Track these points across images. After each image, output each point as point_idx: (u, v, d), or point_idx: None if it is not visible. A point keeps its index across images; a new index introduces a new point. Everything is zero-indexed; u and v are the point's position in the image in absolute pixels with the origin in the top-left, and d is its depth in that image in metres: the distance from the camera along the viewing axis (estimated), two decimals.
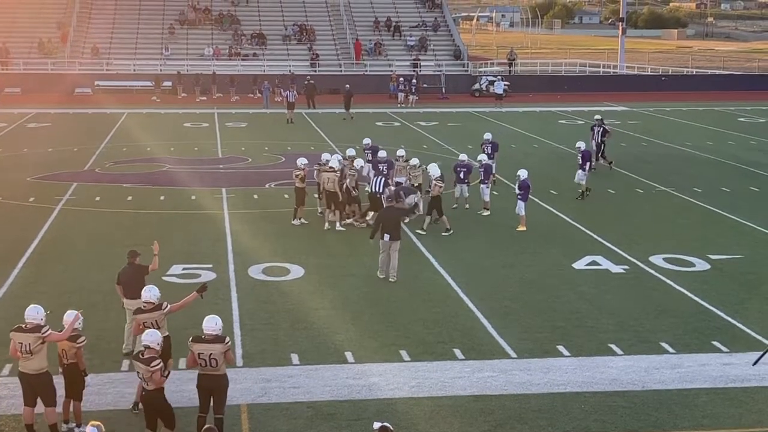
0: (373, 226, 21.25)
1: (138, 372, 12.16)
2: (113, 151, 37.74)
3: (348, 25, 68.19)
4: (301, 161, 25.45)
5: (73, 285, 19.65)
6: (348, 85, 51.24)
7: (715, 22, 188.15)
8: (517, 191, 24.99)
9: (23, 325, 12.49)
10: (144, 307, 13.76)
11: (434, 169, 24.90)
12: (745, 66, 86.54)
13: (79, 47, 63.85)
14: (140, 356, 12.09)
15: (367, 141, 29.82)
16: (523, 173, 24.99)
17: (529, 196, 25.26)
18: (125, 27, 66.30)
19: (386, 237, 20.22)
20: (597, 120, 35.07)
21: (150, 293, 13.83)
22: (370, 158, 28.66)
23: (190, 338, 12.51)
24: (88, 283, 19.61)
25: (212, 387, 12.42)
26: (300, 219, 25.19)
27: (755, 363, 15.36)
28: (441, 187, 24.38)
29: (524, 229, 24.80)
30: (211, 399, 12.50)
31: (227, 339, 12.46)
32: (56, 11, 66.50)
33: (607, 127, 35.10)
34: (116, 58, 62.85)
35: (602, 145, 34.69)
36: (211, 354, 12.24)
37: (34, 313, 12.55)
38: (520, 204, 24.89)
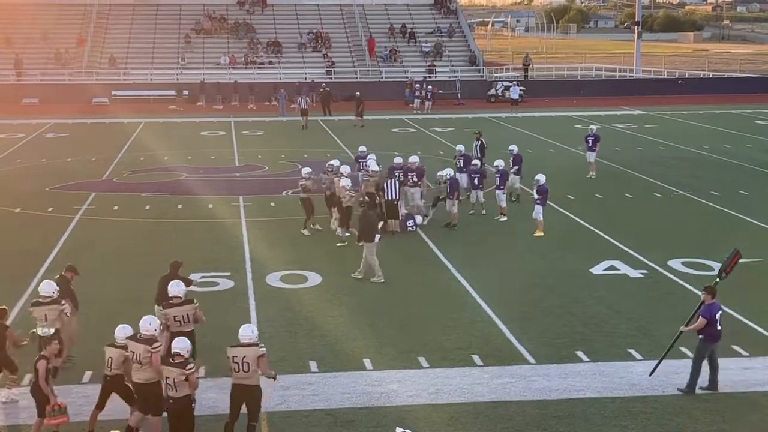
0: (360, 231, 21.51)
1: (167, 378, 12.14)
2: (131, 161, 37.91)
3: (363, 32, 68.26)
4: (306, 170, 25.63)
5: (92, 294, 19.67)
6: (358, 93, 51.34)
7: (731, 25, 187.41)
8: (536, 196, 24.95)
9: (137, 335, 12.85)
10: (173, 301, 14.20)
11: (367, 165, 26.21)
12: (762, 68, 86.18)
13: (97, 57, 64.19)
14: (171, 361, 12.12)
15: (362, 149, 30.09)
16: (541, 178, 24.95)
17: (547, 201, 25.23)
18: (142, 37, 66.61)
19: (377, 238, 20.81)
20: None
21: (179, 288, 14.42)
22: (362, 167, 28.90)
23: (229, 345, 12.68)
24: (108, 293, 19.69)
25: (244, 398, 12.60)
26: (314, 225, 25.15)
27: (651, 373, 15.10)
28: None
29: (542, 234, 24.77)
30: (244, 407, 12.65)
31: (262, 346, 12.69)
32: (74, 22, 66.86)
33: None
34: (133, 68, 63.14)
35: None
36: (244, 357, 12.41)
37: (147, 325, 12.91)
38: (538, 209, 24.85)
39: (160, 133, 46.54)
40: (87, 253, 23.25)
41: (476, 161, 28.07)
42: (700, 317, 14.58)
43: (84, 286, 20.33)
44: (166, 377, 12.13)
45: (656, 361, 15.27)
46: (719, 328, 14.62)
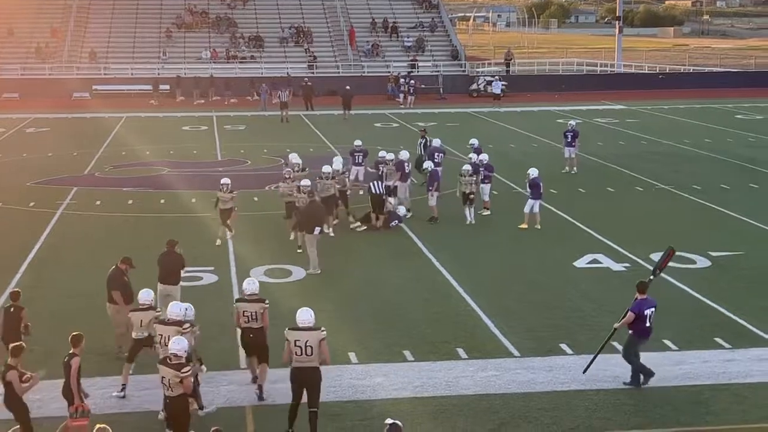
0: (296, 221, 21.69)
1: (163, 377, 12.09)
2: (112, 156, 37.76)
3: (345, 27, 68.18)
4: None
5: (74, 289, 19.67)
6: (348, 87, 51.41)
7: (711, 20, 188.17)
8: (528, 190, 25.13)
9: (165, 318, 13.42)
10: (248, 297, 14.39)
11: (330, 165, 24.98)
12: (742, 63, 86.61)
13: (77, 52, 63.86)
14: (168, 361, 12.11)
15: (357, 143, 29.97)
16: (532, 171, 25.15)
17: (540, 195, 25.24)
18: (122, 31, 66.31)
19: (317, 231, 20.69)
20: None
21: (254, 286, 14.48)
22: (360, 161, 28.88)
23: (287, 328, 12.77)
24: (90, 288, 19.54)
25: (306, 380, 12.66)
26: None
27: (585, 371, 15.04)
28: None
29: (525, 226, 24.88)
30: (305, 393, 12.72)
31: (323, 328, 12.77)
32: (54, 16, 66.47)
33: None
34: (114, 63, 62.84)
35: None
36: (307, 341, 12.53)
37: (177, 310, 13.43)
38: (530, 203, 25.00)
39: (141, 127, 46.35)
40: (69, 248, 23.17)
41: (428, 163, 27.24)
42: (629, 312, 14.56)
43: (66, 281, 20.35)
44: (162, 376, 12.10)
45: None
46: (648, 324, 14.50)
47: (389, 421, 10.11)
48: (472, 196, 25.37)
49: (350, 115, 50.18)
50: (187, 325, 13.24)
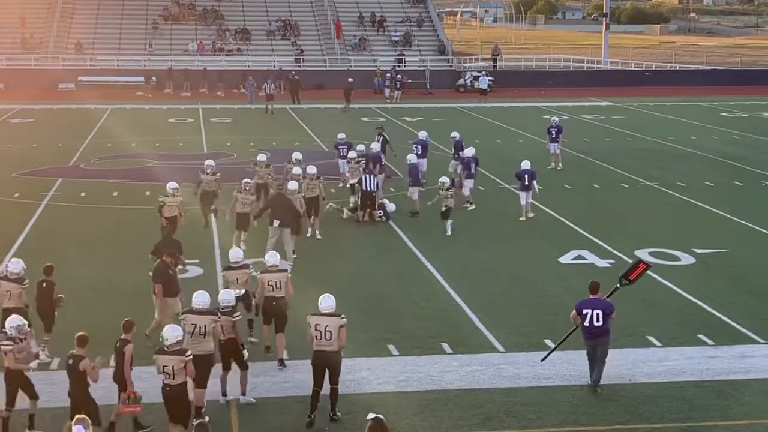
0: (261, 208, 21.74)
1: (164, 366, 12.05)
2: (98, 147, 37.62)
3: (332, 21, 68.07)
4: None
5: (59, 280, 19.44)
6: (351, 79, 52.08)
7: (698, 18, 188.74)
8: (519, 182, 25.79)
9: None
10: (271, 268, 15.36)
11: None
12: (728, 61, 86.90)
13: (63, 43, 63.55)
14: (166, 349, 12.09)
15: (341, 136, 29.94)
16: (523, 164, 25.84)
17: (526, 187, 25.57)
18: (109, 22, 66.01)
19: (276, 223, 20.69)
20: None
21: (276, 258, 15.62)
22: (344, 154, 28.81)
23: (309, 314, 13.39)
24: (75, 279, 19.51)
25: (326, 364, 13.24)
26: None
27: (543, 359, 15.10)
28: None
29: (524, 219, 25.60)
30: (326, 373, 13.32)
31: (343, 315, 13.37)
32: (39, 6, 66.08)
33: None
34: (100, 54, 62.58)
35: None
36: (327, 326, 13.14)
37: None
38: (521, 194, 25.61)
39: (127, 119, 46.20)
40: (54, 240, 23.07)
41: (411, 156, 27.28)
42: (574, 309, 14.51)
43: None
44: (164, 365, 12.06)
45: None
46: (587, 324, 14.26)
47: (371, 416, 10.11)
48: (449, 209, 24.14)
49: (350, 108, 50.41)
50: (238, 314, 13.86)
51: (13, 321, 12.98)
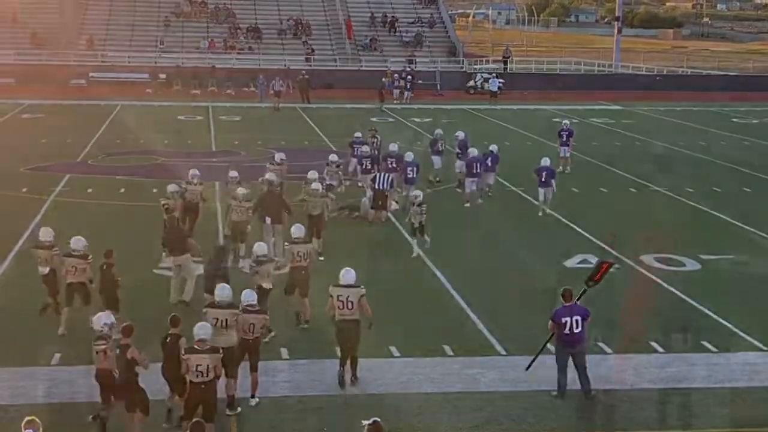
0: (252, 208, 21.54)
1: (198, 365, 12.04)
2: (106, 143, 37.67)
3: (343, 21, 68.09)
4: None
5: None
6: (384, 79, 53.93)
7: (711, 23, 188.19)
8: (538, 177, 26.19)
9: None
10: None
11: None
12: (740, 66, 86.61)
13: (75, 38, 63.68)
14: (196, 348, 12.11)
15: (358, 135, 29.98)
16: (543, 161, 26.32)
17: (543, 182, 26.10)
18: (121, 19, 66.19)
19: (268, 220, 20.82)
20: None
21: (301, 230, 17.26)
22: (357, 153, 28.73)
23: (331, 285, 14.46)
24: None
25: (349, 335, 14.38)
26: None
27: (528, 368, 14.87)
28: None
29: (542, 214, 26.15)
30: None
31: (362, 286, 14.43)
32: (52, 2, 66.23)
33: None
34: (111, 50, 62.71)
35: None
36: (348, 296, 14.21)
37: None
38: (539, 191, 26.15)
39: (136, 116, 46.18)
40: (60, 235, 23.02)
41: (409, 154, 27.00)
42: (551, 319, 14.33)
43: None
44: (197, 365, 12.05)
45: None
46: (567, 331, 14.11)
47: (369, 420, 10.08)
48: (422, 226, 21.99)
49: (383, 107, 51.24)
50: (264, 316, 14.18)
51: (103, 318, 12.79)
